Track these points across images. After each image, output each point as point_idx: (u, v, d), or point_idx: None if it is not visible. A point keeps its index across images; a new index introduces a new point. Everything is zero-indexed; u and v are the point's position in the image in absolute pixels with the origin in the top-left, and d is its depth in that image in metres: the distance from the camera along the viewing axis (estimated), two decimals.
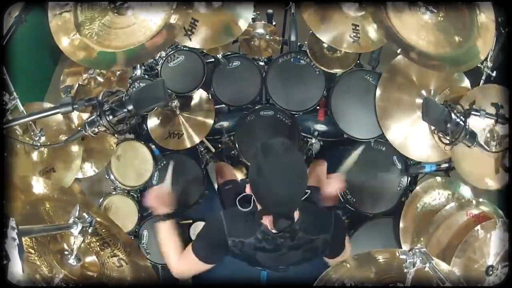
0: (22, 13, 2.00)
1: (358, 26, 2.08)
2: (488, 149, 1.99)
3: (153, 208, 1.97)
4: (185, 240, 2.57)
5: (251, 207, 1.70)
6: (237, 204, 1.71)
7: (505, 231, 1.88)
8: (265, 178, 1.54)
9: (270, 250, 1.78)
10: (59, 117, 2.05)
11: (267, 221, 1.69)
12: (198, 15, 2.05)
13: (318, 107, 2.65)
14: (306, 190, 1.62)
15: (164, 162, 2.57)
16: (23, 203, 1.43)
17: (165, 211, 1.94)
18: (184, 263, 1.86)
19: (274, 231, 1.70)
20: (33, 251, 1.30)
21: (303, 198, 1.62)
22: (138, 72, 2.69)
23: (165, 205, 1.96)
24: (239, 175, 2.75)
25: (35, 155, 1.99)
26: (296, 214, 1.70)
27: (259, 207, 1.67)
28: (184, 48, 2.55)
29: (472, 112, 1.91)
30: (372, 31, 2.09)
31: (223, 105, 2.64)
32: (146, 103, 1.80)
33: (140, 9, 1.85)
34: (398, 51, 1.90)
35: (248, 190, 1.65)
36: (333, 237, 1.79)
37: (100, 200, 2.43)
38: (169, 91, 2.41)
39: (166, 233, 1.91)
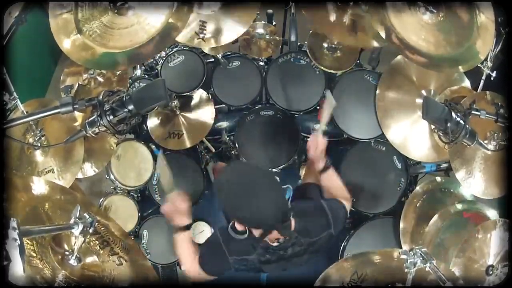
0: (22, 13, 2.00)
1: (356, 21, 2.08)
2: (488, 148, 1.99)
3: (171, 217, 1.96)
4: None
5: (247, 234, 1.67)
6: (231, 233, 1.69)
7: (505, 230, 1.88)
8: (242, 208, 1.54)
9: (275, 261, 1.78)
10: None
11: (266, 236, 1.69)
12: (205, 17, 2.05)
13: (318, 107, 2.65)
14: (284, 186, 1.62)
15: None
16: (23, 203, 1.43)
17: (184, 222, 1.93)
18: (196, 271, 1.87)
19: (274, 244, 1.71)
20: (35, 254, 1.30)
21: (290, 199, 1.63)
22: (138, 72, 2.69)
23: (183, 215, 1.95)
24: None
25: (35, 155, 1.99)
26: (293, 223, 1.68)
27: (256, 233, 1.65)
28: (184, 48, 2.55)
29: (472, 112, 1.91)
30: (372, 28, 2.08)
31: (223, 105, 2.64)
32: (147, 103, 1.80)
33: (140, 9, 1.85)
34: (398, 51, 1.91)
35: (239, 226, 1.64)
36: (335, 227, 1.78)
37: (100, 200, 2.43)
38: (169, 91, 2.41)
39: (184, 244, 1.92)
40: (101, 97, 1.79)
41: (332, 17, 2.09)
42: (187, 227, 1.94)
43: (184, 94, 2.55)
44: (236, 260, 1.78)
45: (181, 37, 2.01)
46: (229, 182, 1.58)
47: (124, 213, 2.46)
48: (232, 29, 2.05)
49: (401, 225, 2.30)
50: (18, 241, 0.96)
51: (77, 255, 1.38)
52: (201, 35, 2.01)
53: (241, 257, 1.77)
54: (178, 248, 1.92)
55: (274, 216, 1.55)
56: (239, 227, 1.62)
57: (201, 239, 2.74)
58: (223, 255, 1.77)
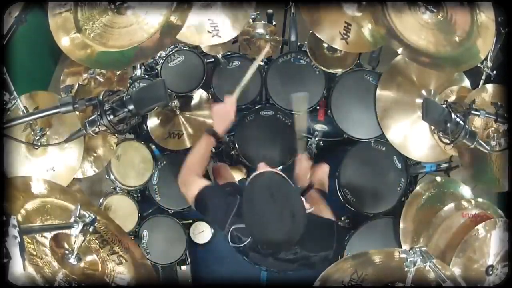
0: (22, 13, 2.00)
1: (350, 25, 2.08)
2: (488, 148, 1.99)
3: (214, 119, 1.95)
4: (186, 240, 2.59)
5: (246, 242, 1.68)
6: (229, 241, 1.70)
7: (505, 230, 1.88)
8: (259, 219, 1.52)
9: (264, 255, 1.76)
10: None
11: None
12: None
13: (318, 107, 2.65)
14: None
15: (164, 162, 2.57)
16: (23, 203, 1.43)
17: (221, 129, 1.92)
18: (188, 183, 1.85)
19: None
20: (35, 253, 1.30)
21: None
22: (138, 72, 2.69)
23: (225, 124, 1.93)
24: (238, 175, 2.75)
25: (35, 155, 1.99)
26: None
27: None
28: (184, 48, 2.55)
29: (472, 112, 1.91)
30: (366, 32, 2.09)
31: None
32: (147, 103, 1.80)
33: (140, 9, 1.85)
34: (399, 51, 1.91)
35: None
36: (335, 252, 1.75)
37: (100, 200, 2.43)
38: (169, 91, 2.41)
39: (204, 147, 1.92)
40: (101, 96, 1.79)
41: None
42: (218, 138, 1.94)
43: (184, 94, 2.55)
44: (232, 233, 1.71)
45: (194, 38, 2.00)
46: (258, 198, 1.53)
47: (124, 213, 2.46)
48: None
49: (401, 225, 2.29)
50: (19, 239, 0.96)
51: (77, 254, 1.38)
52: (215, 32, 2.01)
53: (237, 234, 1.71)
54: (197, 146, 1.93)
55: (284, 243, 1.57)
56: None
57: (201, 239, 2.75)
58: (223, 220, 1.72)
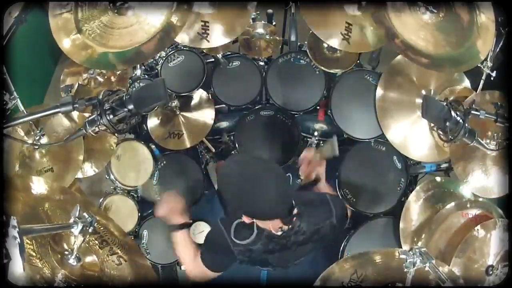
0: (22, 13, 2.00)
1: (351, 25, 2.08)
2: (487, 147, 1.99)
3: (167, 218, 1.98)
4: None
5: (253, 237, 1.71)
6: (233, 237, 1.74)
7: (505, 231, 1.88)
8: (247, 201, 1.57)
9: (280, 250, 1.78)
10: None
11: (269, 225, 1.70)
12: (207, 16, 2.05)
13: (318, 107, 2.65)
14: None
15: (164, 162, 2.57)
16: (22, 203, 1.43)
17: (180, 220, 1.95)
18: (198, 270, 1.88)
19: (278, 233, 1.71)
20: (34, 254, 1.30)
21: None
22: (138, 72, 2.69)
23: (179, 214, 1.97)
24: None
25: (35, 155, 1.99)
26: (295, 210, 1.70)
27: (262, 224, 1.68)
28: (184, 48, 2.55)
29: (472, 111, 1.91)
30: (367, 32, 2.09)
31: (223, 105, 2.64)
32: (147, 103, 1.80)
33: (140, 9, 1.85)
34: (398, 51, 1.91)
35: (246, 219, 1.66)
36: (337, 216, 1.81)
37: (100, 200, 2.43)
38: (169, 91, 2.41)
39: (182, 242, 1.93)
40: (101, 96, 1.79)
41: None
42: (185, 226, 1.95)
43: (184, 94, 2.55)
44: (241, 251, 1.77)
45: (184, 39, 2.03)
46: (231, 175, 1.61)
47: (124, 213, 2.45)
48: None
49: (401, 225, 2.29)
50: (18, 239, 0.96)
51: (77, 254, 1.38)
52: (204, 35, 2.02)
53: (246, 248, 1.76)
54: (177, 248, 1.93)
55: (280, 206, 1.59)
56: (246, 219, 1.65)
57: (201, 239, 2.75)
58: (227, 247, 1.77)
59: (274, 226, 1.67)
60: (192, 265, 1.88)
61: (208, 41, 2.05)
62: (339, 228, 1.87)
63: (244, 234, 1.74)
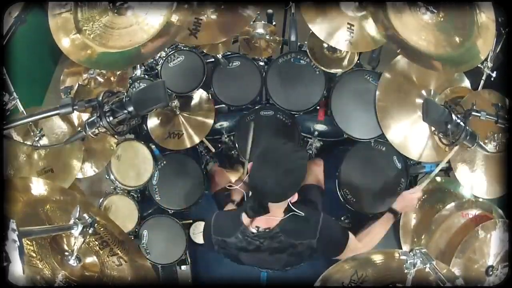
0: (22, 13, 2.00)
1: (353, 25, 2.08)
2: (488, 150, 1.99)
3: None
4: (186, 240, 2.59)
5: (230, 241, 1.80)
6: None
7: (505, 231, 1.89)
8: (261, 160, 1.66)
9: (252, 251, 1.80)
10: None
11: (247, 220, 1.75)
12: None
13: (318, 107, 2.65)
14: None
15: (164, 162, 2.57)
16: (22, 204, 1.43)
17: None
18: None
19: (253, 231, 1.75)
20: (35, 255, 1.30)
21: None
22: (138, 72, 2.68)
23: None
24: (236, 176, 2.74)
25: (35, 156, 1.99)
26: (279, 214, 1.74)
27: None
28: (184, 48, 2.55)
29: (472, 113, 1.91)
30: (369, 31, 2.09)
31: (223, 105, 2.64)
32: (147, 104, 1.80)
33: (140, 9, 1.85)
34: (398, 51, 1.91)
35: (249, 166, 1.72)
36: (319, 242, 1.78)
37: (100, 200, 2.43)
38: (169, 91, 2.41)
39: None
40: (100, 98, 1.79)
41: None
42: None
43: (184, 94, 2.54)
44: (217, 240, 1.85)
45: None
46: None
47: (124, 213, 2.45)
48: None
49: (401, 225, 2.30)
50: (18, 243, 0.96)
51: (77, 255, 1.39)
52: (194, 32, 2.01)
53: (222, 238, 1.83)
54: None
55: (267, 187, 1.63)
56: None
57: (201, 239, 2.75)
58: (209, 237, 1.88)
59: (252, 222, 1.75)
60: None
61: (196, 38, 2.04)
62: (321, 253, 1.84)
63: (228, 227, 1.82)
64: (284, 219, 1.74)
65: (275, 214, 1.74)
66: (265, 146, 1.73)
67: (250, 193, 1.78)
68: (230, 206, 2.19)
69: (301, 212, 1.74)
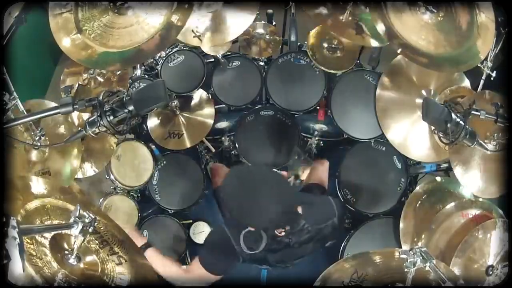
0: (22, 13, 2.00)
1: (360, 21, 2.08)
2: (488, 149, 1.99)
3: None
4: (186, 240, 2.59)
5: (261, 247, 1.72)
6: (243, 245, 1.74)
7: (505, 231, 1.88)
8: (248, 213, 1.61)
9: (281, 249, 1.80)
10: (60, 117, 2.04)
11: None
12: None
13: (318, 107, 2.65)
14: None
15: (164, 162, 2.57)
16: (22, 203, 1.43)
17: (139, 243, 1.93)
18: (193, 277, 1.86)
19: (281, 234, 1.73)
20: (34, 253, 1.30)
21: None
22: (138, 72, 2.69)
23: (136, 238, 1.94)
24: None
25: (34, 155, 1.99)
26: (299, 209, 1.74)
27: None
28: (184, 48, 2.55)
29: (472, 112, 1.91)
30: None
31: (223, 105, 2.64)
32: (147, 104, 1.80)
33: (140, 9, 1.85)
34: (398, 51, 1.90)
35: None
36: (339, 218, 1.84)
37: (100, 200, 2.43)
38: (169, 91, 2.41)
39: (156, 258, 1.94)
40: (101, 97, 1.79)
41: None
42: (147, 245, 1.97)
43: (184, 94, 2.55)
44: (246, 255, 1.78)
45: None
46: (231, 190, 1.64)
47: (124, 213, 2.45)
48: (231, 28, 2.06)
49: (401, 225, 2.29)
50: (18, 240, 0.96)
51: (77, 254, 1.38)
52: (197, 33, 2.02)
53: (252, 252, 1.76)
54: (155, 266, 1.88)
55: (282, 216, 1.61)
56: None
57: (201, 239, 2.75)
58: (228, 248, 1.77)
59: (277, 228, 1.70)
60: (180, 273, 1.89)
61: (201, 40, 2.05)
62: (339, 228, 1.89)
63: (252, 241, 1.74)
64: (305, 210, 1.75)
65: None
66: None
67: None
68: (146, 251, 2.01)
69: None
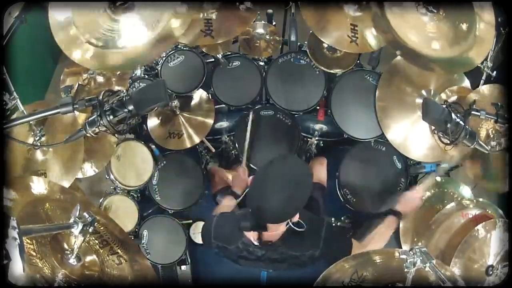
0: (22, 13, 2.00)
1: (357, 26, 2.08)
2: (488, 148, 1.99)
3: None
4: (186, 240, 2.59)
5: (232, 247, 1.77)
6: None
7: (505, 231, 1.88)
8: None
9: (252, 260, 1.79)
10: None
11: (250, 234, 1.73)
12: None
13: (318, 107, 2.65)
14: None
15: (164, 162, 2.57)
16: (22, 203, 1.43)
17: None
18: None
19: (254, 243, 1.73)
20: (35, 254, 1.30)
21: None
22: (138, 72, 2.68)
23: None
24: None
25: (34, 155, 1.99)
26: (281, 228, 1.70)
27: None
28: (184, 48, 2.55)
29: (472, 112, 1.91)
30: (371, 32, 2.09)
31: (223, 105, 2.64)
32: (147, 104, 1.80)
33: (140, 9, 1.84)
34: (398, 53, 1.91)
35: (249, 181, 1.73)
36: (322, 252, 1.76)
37: (100, 200, 2.43)
38: (169, 91, 2.41)
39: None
40: (101, 97, 1.79)
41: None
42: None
43: (184, 94, 2.55)
44: (218, 246, 1.83)
45: (187, 37, 2.03)
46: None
47: (124, 213, 2.46)
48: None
49: (401, 225, 2.30)
50: (18, 240, 0.96)
51: (77, 254, 1.38)
52: (208, 32, 2.02)
53: (223, 244, 1.81)
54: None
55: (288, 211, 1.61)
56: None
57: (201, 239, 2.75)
58: (209, 240, 1.84)
59: (254, 235, 1.71)
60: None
61: (213, 38, 2.05)
62: (323, 262, 1.77)
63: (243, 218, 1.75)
64: (287, 232, 1.71)
65: (277, 228, 1.70)
66: (270, 162, 1.68)
67: (250, 209, 1.72)
68: (229, 199, 2.12)
69: (302, 228, 1.68)
